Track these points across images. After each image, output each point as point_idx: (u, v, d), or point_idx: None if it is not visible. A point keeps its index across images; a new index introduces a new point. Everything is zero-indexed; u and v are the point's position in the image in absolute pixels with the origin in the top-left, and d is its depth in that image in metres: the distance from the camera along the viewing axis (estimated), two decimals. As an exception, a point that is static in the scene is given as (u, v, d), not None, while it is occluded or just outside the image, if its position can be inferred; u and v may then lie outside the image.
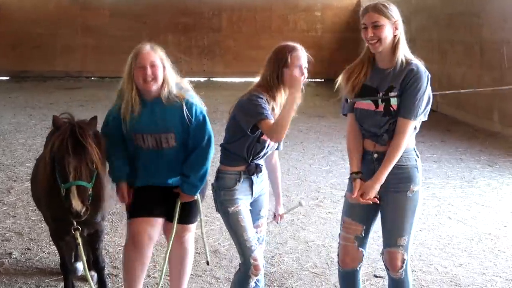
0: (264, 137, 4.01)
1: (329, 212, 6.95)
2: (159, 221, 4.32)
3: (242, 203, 4.08)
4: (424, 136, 11.35)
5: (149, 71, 4.11)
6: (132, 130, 4.21)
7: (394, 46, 3.84)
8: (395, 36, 3.82)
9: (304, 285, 5.22)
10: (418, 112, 3.80)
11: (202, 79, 19.72)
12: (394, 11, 3.83)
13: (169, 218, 4.35)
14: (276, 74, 4.01)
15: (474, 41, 12.56)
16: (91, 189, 3.94)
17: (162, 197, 4.30)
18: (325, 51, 19.35)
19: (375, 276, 5.25)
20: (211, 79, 20.54)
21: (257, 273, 4.05)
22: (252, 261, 4.00)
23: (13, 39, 20.38)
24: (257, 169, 4.10)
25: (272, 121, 3.88)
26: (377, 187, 3.81)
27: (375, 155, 3.90)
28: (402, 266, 3.92)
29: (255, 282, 4.11)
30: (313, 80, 19.42)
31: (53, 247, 5.41)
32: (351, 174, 3.96)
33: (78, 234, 4.11)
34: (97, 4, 20.94)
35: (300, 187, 8.07)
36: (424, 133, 11.81)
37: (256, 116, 3.89)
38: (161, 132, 4.19)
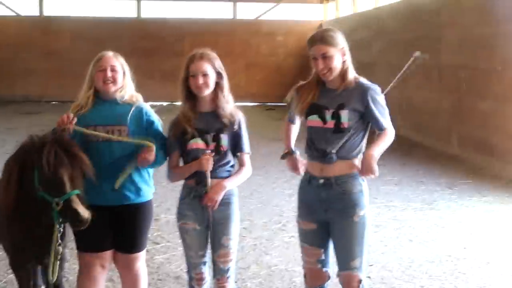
0: (190, 145, 4.11)
1: (292, 236, 6.94)
2: (108, 253, 4.34)
3: (190, 221, 4.15)
4: (384, 159, 11.40)
5: (109, 73, 4.21)
6: (83, 123, 4.16)
7: (344, 71, 3.92)
8: (344, 62, 3.91)
9: (267, 310, 5.21)
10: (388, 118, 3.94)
11: (164, 103, 19.63)
12: (340, 38, 3.90)
13: (117, 248, 4.34)
14: (182, 87, 4.17)
15: (433, 66, 12.79)
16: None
17: (109, 224, 4.25)
18: (287, 76, 19.46)
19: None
20: (173, 103, 20.48)
21: (199, 285, 4.21)
22: (193, 275, 4.23)
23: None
24: (201, 178, 4.07)
25: (174, 154, 4.19)
26: (376, 155, 3.84)
27: (321, 181, 3.95)
28: (359, 286, 4.00)
29: None
30: (274, 104, 19.55)
31: (11, 276, 5.29)
32: (285, 153, 4.16)
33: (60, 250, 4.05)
34: (58, 28, 20.82)
35: (263, 211, 8.06)
36: (384, 156, 11.83)
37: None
38: (113, 124, 4.19)
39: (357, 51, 4.02)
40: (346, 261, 3.99)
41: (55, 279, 4.15)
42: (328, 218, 3.96)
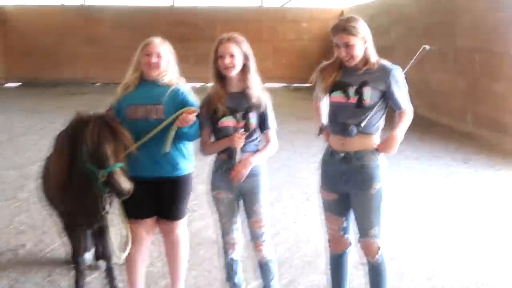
0: (221, 123, 4.11)
1: (317, 206, 6.97)
2: (150, 220, 4.39)
3: (223, 191, 4.19)
4: (403, 136, 11.43)
5: (154, 59, 4.20)
6: (125, 103, 4.23)
7: (366, 56, 3.89)
8: (366, 48, 3.88)
9: (296, 272, 5.27)
10: (408, 98, 3.94)
11: (197, 85, 19.69)
12: (362, 27, 3.85)
13: (160, 215, 4.39)
14: (213, 69, 4.16)
15: (449, 49, 12.65)
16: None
17: (150, 195, 4.28)
18: (311, 58, 19.33)
19: (362, 264, 5.29)
20: (206, 84, 20.52)
21: (232, 249, 4.30)
22: (226, 240, 4.31)
23: (24, 49, 20.42)
24: (232, 153, 4.09)
25: (206, 130, 4.18)
26: (401, 137, 3.89)
27: (341, 155, 3.96)
28: (378, 252, 4.05)
29: (231, 259, 4.33)
30: (300, 85, 19.52)
31: (64, 239, 5.42)
32: (319, 130, 4.17)
33: (107, 218, 4.17)
34: (99, 16, 20.93)
35: (291, 183, 8.12)
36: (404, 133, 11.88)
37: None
38: (151, 103, 4.20)
39: (376, 37, 3.98)
40: (365, 230, 4.03)
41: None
42: (347, 189, 3.98)
